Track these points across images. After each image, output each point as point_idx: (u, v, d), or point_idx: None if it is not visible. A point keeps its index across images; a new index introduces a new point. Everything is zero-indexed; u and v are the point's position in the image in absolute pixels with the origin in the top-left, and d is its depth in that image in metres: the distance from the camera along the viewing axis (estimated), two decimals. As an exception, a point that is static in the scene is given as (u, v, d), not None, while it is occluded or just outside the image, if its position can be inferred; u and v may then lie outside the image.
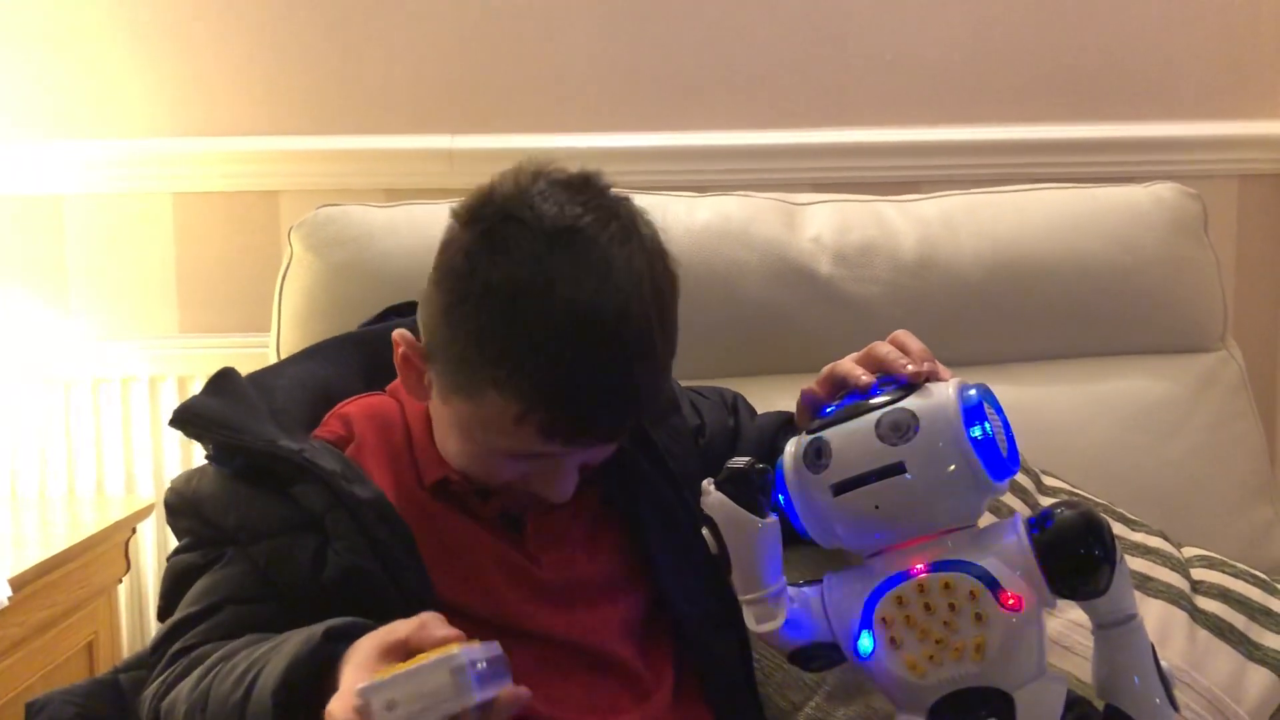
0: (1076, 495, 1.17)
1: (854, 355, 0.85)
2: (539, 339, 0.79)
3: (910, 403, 0.75)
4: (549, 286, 0.79)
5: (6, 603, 1.22)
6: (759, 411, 1.14)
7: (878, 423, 0.74)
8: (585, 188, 0.85)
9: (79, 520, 1.58)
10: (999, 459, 0.73)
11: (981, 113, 1.79)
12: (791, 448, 0.78)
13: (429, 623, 0.71)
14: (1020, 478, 1.14)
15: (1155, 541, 1.12)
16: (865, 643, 0.75)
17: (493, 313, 0.81)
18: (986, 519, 0.79)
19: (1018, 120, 1.79)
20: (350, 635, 0.72)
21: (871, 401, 0.76)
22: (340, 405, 0.96)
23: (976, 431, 0.73)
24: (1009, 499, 1.10)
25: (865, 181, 1.71)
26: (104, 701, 0.87)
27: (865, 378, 0.80)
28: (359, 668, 0.69)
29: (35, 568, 1.37)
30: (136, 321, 1.76)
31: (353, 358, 1.04)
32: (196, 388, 1.70)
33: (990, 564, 0.72)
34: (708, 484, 0.77)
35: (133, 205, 1.75)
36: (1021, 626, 0.72)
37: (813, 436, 0.77)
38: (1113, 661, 0.75)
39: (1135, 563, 1.08)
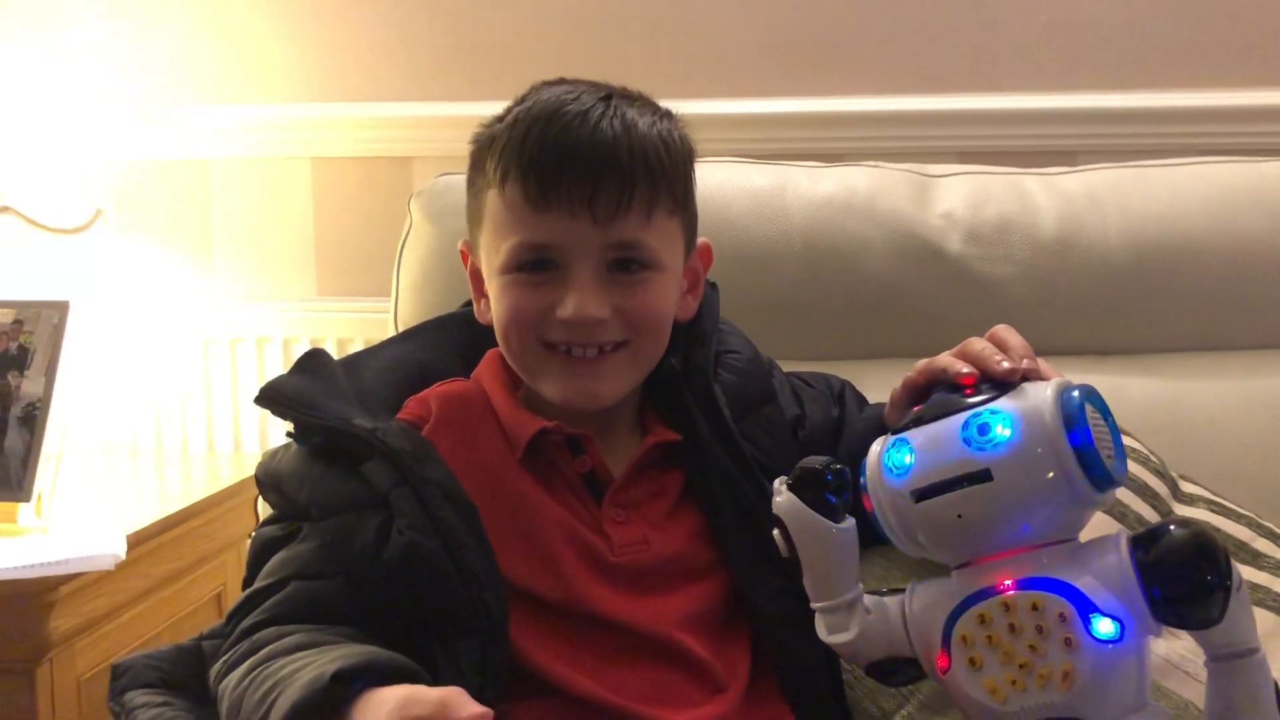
0: (1217, 503, 1.07)
1: (953, 349, 0.78)
2: (511, 125, 0.89)
3: (1002, 404, 0.68)
4: (526, 100, 0.91)
5: (116, 564, 1.26)
6: (876, 399, 1.08)
7: (964, 425, 0.68)
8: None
9: (215, 475, 1.65)
10: (1101, 469, 0.66)
11: (1145, 77, 1.65)
12: (877, 447, 0.73)
13: (453, 701, 0.67)
14: (1154, 482, 1.05)
15: (1305, 561, 1.02)
16: (944, 661, 0.69)
17: (489, 134, 0.92)
18: (1100, 529, 0.72)
19: (1186, 85, 1.64)
20: (364, 673, 0.70)
21: (963, 400, 0.70)
22: (425, 392, 0.96)
23: (1076, 438, 0.66)
24: (1138, 506, 1.01)
25: (1015, 151, 1.62)
26: (186, 667, 0.88)
27: (963, 370, 0.74)
28: None
29: (167, 519, 1.43)
30: (277, 283, 1.81)
31: (452, 337, 1.04)
32: (329, 350, 1.77)
33: (1085, 585, 0.66)
34: (779, 484, 0.73)
35: (273, 170, 1.80)
36: (1116, 655, 0.65)
37: (896, 437, 0.71)
38: (1227, 699, 0.67)
39: (1279, 584, 0.98)
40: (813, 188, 1.34)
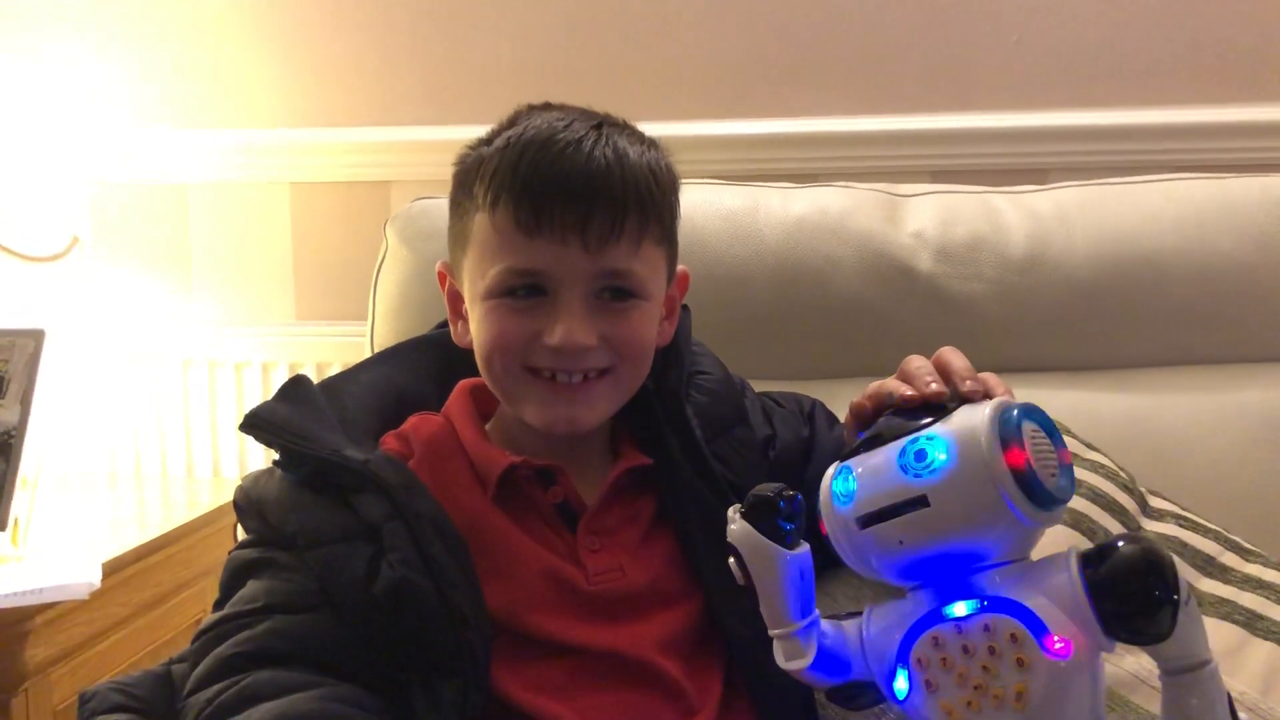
0: (1186, 518, 1.07)
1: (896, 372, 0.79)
2: (503, 149, 0.88)
3: (939, 428, 0.68)
4: (516, 124, 0.90)
5: (90, 594, 1.26)
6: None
7: (902, 451, 0.68)
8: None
9: (194, 501, 1.65)
10: (1041, 488, 0.66)
11: (1117, 95, 1.67)
12: (828, 474, 0.73)
13: None
14: (1123, 497, 1.05)
15: (1271, 575, 1.01)
16: (900, 684, 0.69)
17: (476, 156, 0.91)
18: (1067, 546, 0.72)
19: (1157, 103, 1.66)
20: None
21: (904, 425, 0.71)
22: (401, 428, 0.96)
23: (1013, 459, 0.66)
24: (1106, 521, 1.01)
25: (989, 170, 1.64)
26: (154, 692, 0.88)
27: (906, 393, 0.75)
28: None
29: (144, 546, 1.43)
30: (255, 308, 1.82)
31: (427, 360, 1.04)
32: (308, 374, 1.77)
33: (1037, 604, 0.66)
34: (733, 512, 0.73)
35: (252, 194, 1.81)
36: (1069, 674, 0.65)
37: (842, 464, 0.72)
38: (1182, 713, 0.68)
39: (1245, 598, 0.98)
40: (785, 208, 1.35)
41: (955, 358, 0.77)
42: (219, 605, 0.88)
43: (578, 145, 0.87)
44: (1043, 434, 0.69)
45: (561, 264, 0.87)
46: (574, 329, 0.87)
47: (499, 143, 0.89)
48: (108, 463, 1.79)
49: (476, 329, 0.92)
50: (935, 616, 0.68)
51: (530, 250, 0.87)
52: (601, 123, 0.90)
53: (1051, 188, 1.39)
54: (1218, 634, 0.93)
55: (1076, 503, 1.02)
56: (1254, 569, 1.02)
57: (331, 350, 1.76)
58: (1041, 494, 0.66)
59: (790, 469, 1.00)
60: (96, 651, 1.36)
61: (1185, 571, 1.00)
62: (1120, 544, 0.66)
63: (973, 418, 0.68)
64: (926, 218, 1.35)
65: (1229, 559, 1.03)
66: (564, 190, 0.86)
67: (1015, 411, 0.68)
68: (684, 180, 1.40)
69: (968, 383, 0.74)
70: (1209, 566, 1.03)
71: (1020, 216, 1.34)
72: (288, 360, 1.76)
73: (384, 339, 1.36)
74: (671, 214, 0.94)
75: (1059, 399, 1.24)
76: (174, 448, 1.79)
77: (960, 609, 0.67)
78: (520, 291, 0.88)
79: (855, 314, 1.31)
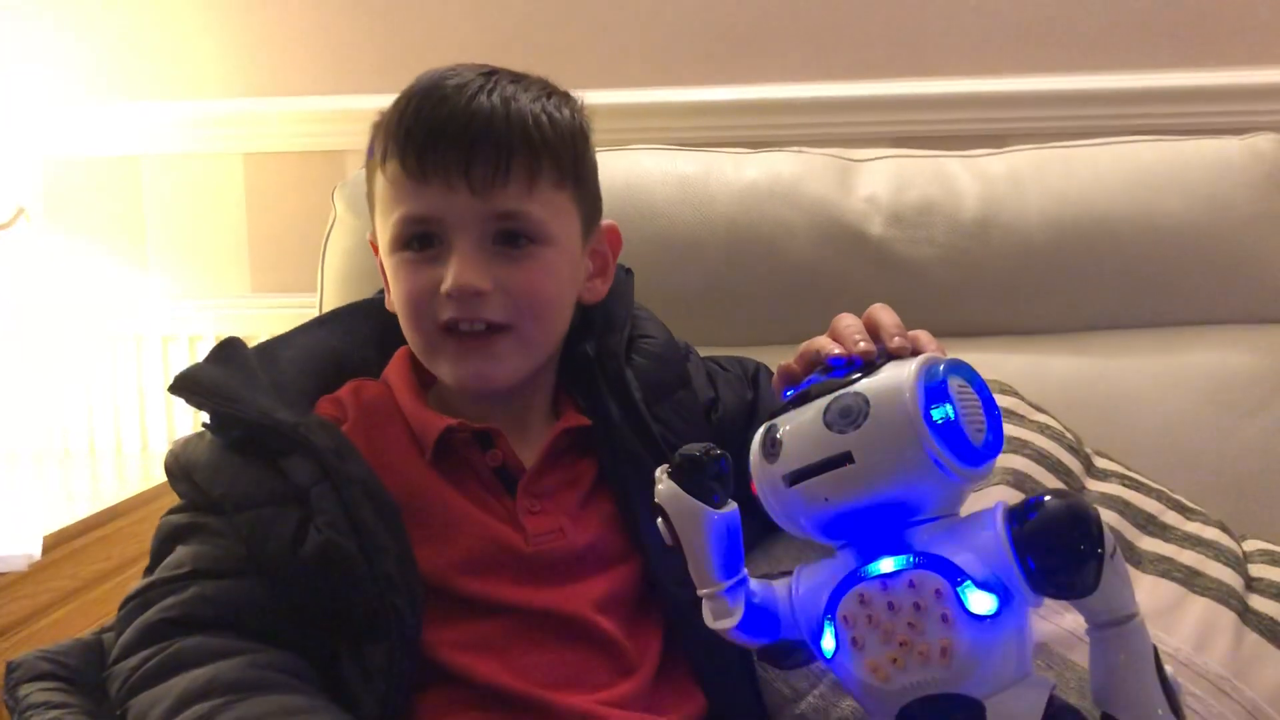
0: (1130, 478, 1.07)
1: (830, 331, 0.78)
2: (393, 106, 0.90)
3: (863, 384, 0.68)
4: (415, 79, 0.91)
5: (30, 565, 1.25)
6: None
7: (826, 408, 0.68)
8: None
9: (148, 475, 1.63)
10: (966, 444, 0.66)
11: (1073, 60, 1.67)
12: (757, 434, 0.72)
13: None
14: (1067, 458, 1.05)
15: (1211, 533, 1.02)
16: (828, 642, 0.68)
17: (379, 119, 0.92)
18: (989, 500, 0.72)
19: (1113, 68, 1.66)
20: None
21: (830, 383, 0.70)
22: (337, 392, 0.95)
23: (938, 414, 0.65)
24: (1051, 482, 1.01)
25: (947, 135, 1.63)
26: (83, 660, 0.86)
27: (834, 350, 0.74)
28: None
29: (90, 519, 1.42)
30: (211, 280, 1.80)
31: (366, 325, 1.03)
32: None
33: (962, 560, 0.65)
34: (660, 472, 0.72)
35: (206, 165, 1.78)
36: (994, 629, 0.64)
37: (768, 424, 0.71)
38: (1108, 666, 0.68)
39: (1185, 555, 0.98)
40: (737, 174, 1.34)
41: (885, 315, 0.76)
42: (149, 571, 0.87)
43: (460, 90, 0.87)
44: (970, 389, 0.68)
45: (451, 208, 0.87)
46: (464, 271, 0.86)
47: (394, 102, 0.90)
48: (59, 438, 1.77)
49: (391, 288, 0.93)
50: (861, 574, 0.67)
51: (419, 196, 0.87)
52: (494, 72, 0.90)
53: (1004, 151, 1.39)
54: (1156, 591, 0.94)
55: (1020, 463, 1.02)
56: (1194, 527, 1.02)
57: (287, 322, 1.66)
58: (967, 450, 0.66)
59: (733, 432, 1.00)
60: (41, 625, 1.34)
61: (1126, 530, 1.00)
62: (1046, 499, 0.66)
63: (898, 374, 0.67)
64: (878, 182, 1.34)
65: (1170, 518, 1.03)
66: (446, 134, 0.86)
67: (941, 367, 0.67)
68: (638, 146, 1.40)
69: (896, 339, 0.73)
70: (1150, 525, 1.03)
71: (973, 180, 1.33)
72: (243, 333, 1.70)
73: (332, 308, 1.34)
74: (574, 159, 0.92)
75: (1010, 362, 1.24)
76: (128, 422, 1.77)
77: (886, 565, 0.67)
78: (418, 242, 0.89)
79: (807, 279, 1.30)
